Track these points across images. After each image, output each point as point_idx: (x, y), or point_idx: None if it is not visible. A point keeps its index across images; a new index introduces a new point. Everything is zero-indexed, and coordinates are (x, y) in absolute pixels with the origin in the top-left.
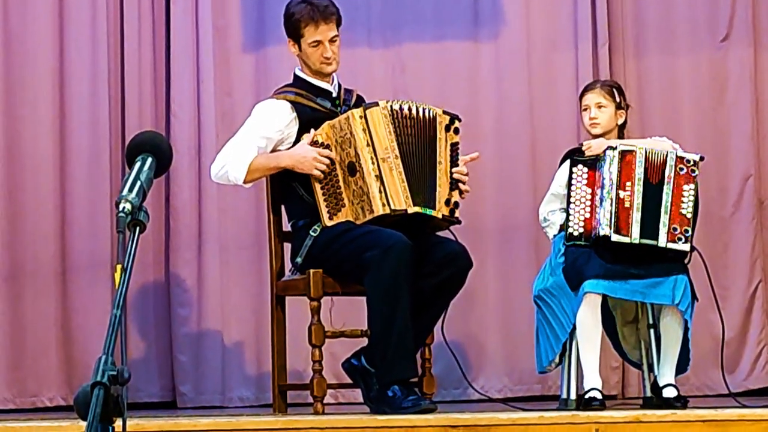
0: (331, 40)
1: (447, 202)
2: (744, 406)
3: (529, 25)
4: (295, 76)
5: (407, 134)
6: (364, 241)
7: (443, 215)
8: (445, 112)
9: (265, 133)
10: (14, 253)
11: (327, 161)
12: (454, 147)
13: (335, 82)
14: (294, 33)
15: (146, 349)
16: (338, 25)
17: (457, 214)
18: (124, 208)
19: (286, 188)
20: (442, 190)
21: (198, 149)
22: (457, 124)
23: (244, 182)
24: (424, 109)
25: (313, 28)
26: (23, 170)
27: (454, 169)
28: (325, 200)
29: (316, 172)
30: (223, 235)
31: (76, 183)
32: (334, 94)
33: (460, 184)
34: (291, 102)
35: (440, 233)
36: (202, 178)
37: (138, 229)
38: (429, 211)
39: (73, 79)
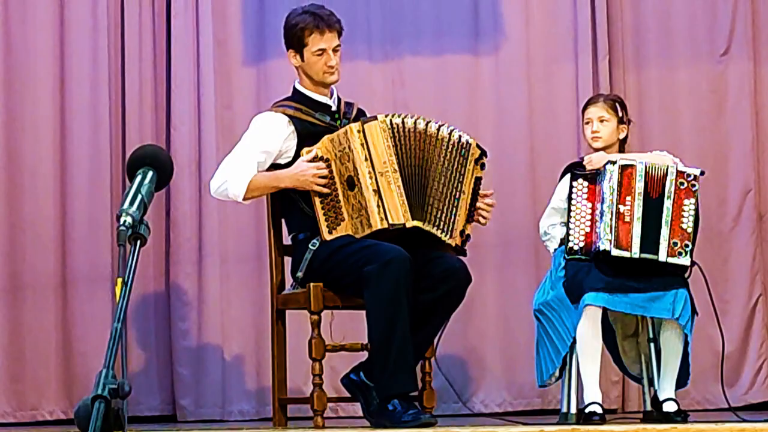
0: (334, 50)
1: (461, 233)
2: (744, 421)
3: (529, 38)
4: (294, 90)
5: (409, 148)
6: (363, 255)
7: (456, 245)
8: (477, 145)
9: (264, 147)
10: (14, 265)
11: (325, 173)
12: (478, 181)
13: (335, 95)
14: (297, 43)
15: (146, 363)
16: (340, 35)
17: (466, 247)
18: (125, 221)
19: (287, 201)
20: (459, 220)
21: (198, 162)
22: (484, 159)
23: (243, 199)
24: (433, 124)
25: (318, 37)
26: (23, 182)
27: (483, 201)
28: (324, 214)
29: (317, 188)
30: (224, 249)
31: (77, 195)
32: (334, 108)
33: (482, 214)
34: (289, 116)
35: None
36: (202, 191)
37: (139, 242)
38: (441, 235)
39: (73, 91)
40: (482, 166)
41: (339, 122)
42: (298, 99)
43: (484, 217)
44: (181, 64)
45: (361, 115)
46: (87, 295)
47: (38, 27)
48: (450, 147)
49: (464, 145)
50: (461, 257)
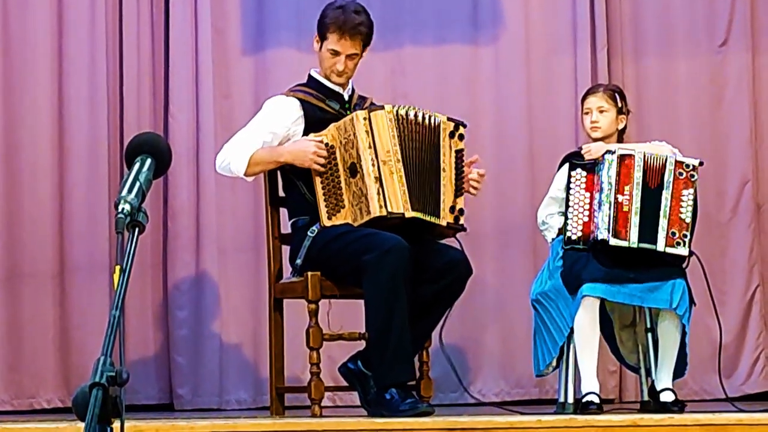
0: (350, 56)
1: (452, 210)
2: (741, 411)
3: (529, 28)
4: (310, 77)
5: (411, 140)
6: (362, 244)
7: (448, 223)
8: (449, 119)
9: (271, 128)
10: (12, 254)
11: (325, 153)
12: (459, 153)
13: (349, 86)
14: (321, 33)
15: (144, 351)
16: (365, 44)
17: (462, 221)
18: (123, 209)
19: (289, 185)
20: (446, 198)
21: (196, 151)
22: (461, 130)
23: (245, 175)
24: (429, 116)
25: (335, 38)
26: (21, 171)
27: (471, 174)
28: (325, 200)
29: (316, 166)
30: (222, 237)
31: (75, 184)
32: (346, 97)
33: (472, 184)
34: (300, 100)
35: (444, 240)
36: (200, 180)
37: (137, 230)
38: (431, 218)
39: (71, 80)
40: (460, 137)
41: (348, 112)
42: (312, 85)
43: (474, 188)
44: (179, 53)
45: None
46: (85, 284)
47: (36, 16)
48: (424, 131)
49: (434, 125)
50: (464, 248)
